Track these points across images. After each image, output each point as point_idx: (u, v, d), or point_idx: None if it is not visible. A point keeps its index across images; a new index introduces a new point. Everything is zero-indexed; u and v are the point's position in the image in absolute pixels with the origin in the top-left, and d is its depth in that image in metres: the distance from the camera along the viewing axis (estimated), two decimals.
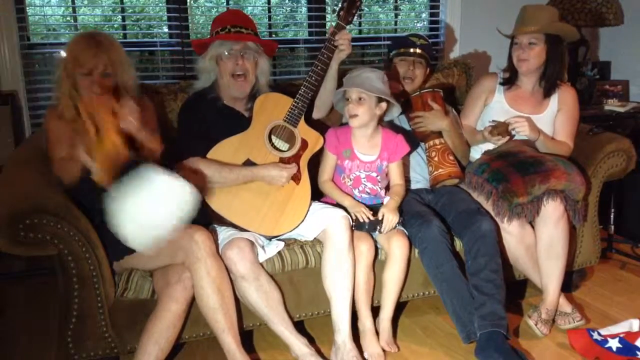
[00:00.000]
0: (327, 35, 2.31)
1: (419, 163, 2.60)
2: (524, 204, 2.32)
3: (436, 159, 2.48)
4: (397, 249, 2.25)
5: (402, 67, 2.66)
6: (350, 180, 2.35)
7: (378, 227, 2.23)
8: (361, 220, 2.22)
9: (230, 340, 2.00)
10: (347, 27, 2.32)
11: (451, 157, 2.49)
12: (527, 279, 2.62)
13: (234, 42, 2.24)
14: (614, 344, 2.18)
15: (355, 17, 2.34)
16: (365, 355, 2.20)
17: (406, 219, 2.33)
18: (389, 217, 2.22)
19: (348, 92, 2.26)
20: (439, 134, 2.50)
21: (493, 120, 2.51)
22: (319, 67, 2.28)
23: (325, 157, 2.35)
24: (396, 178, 2.38)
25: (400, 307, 2.48)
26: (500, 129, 2.43)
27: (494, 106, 2.65)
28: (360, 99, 2.24)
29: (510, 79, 2.65)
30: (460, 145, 2.56)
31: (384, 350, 2.23)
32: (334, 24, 2.33)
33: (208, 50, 2.27)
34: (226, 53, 2.24)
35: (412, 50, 2.66)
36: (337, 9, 2.33)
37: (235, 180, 2.16)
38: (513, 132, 2.47)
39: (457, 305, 2.23)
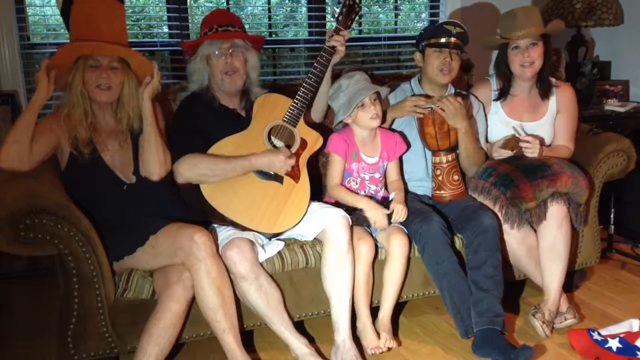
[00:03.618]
0: (326, 38, 2.33)
1: (423, 178, 2.55)
2: (532, 209, 2.33)
3: (440, 178, 2.43)
4: (396, 247, 2.25)
5: (437, 59, 2.42)
6: (357, 184, 2.37)
7: (389, 218, 2.25)
8: (375, 225, 2.24)
9: (230, 341, 2.00)
10: (347, 30, 2.33)
11: (456, 177, 2.43)
12: (526, 279, 2.62)
13: (222, 40, 2.25)
14: (614, 344, 2.18)
15: (355, 22, 2.35)
16: (369, 351, 2.21)
17: (406, 217, 2.33)
18: (399, 208, 2.26)
19: (362, 99, 2.26)
20: (448, 151, 2.41)
21: (513, 132, 2.51)
22: (317, 69, 2.29)
23: (334, 162, 2.34)
24: (394, 175, 2.42)
25: (400, 307, 2.48)
26: (512, 144, 2.44)
27: (492, 117, 2.60)
28: (375, 99, 2.29)
29: (504, 90, 2.58)
30: (475, 153, 2.47)
31: (388, 349, 2.23)
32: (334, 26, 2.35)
33: (198, 52, 2.28)
34: (216, 52, 2.25)
35: (446, 40, 2.40)
36: (337, 13, 2.33)
37: (232, 170, 2.15)
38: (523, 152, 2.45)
39: (457, 301, 2.24)
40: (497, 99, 2.59)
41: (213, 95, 2.32)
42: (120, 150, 2.18)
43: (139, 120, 2.17)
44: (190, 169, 2.14)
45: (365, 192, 2.37)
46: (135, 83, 2.16)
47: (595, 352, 2.19)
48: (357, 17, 2.34)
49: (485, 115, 2.62)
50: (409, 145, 2.48)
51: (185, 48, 2.35)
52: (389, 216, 2.25)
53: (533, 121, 2.57)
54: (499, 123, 2.58)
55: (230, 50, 2.26)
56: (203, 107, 2.27)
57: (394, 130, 2.47)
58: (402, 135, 2.47)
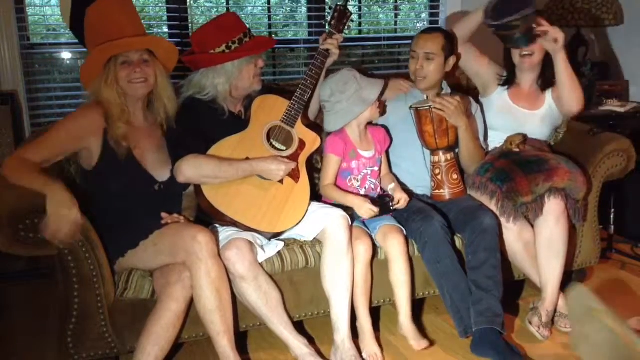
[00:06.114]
0: (320, 41, 2.36)
1: (423, 178, 2.55)
2: (529, 203, 2.33)
3: (439, 177, 2.42)
4: (393, 247, 2.25)
5: (412, 65, 2.50)
6: (358, 181, 2.37)
7: (391, 205, 2.28)
8: (367, 217, 2.25)
9: (225, 344, 2.00)
10: (340, 34, 2.37)
11: (455, 176, 2.42)
12: (525, 279, 2.62)
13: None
14: None
15: (346, 26, 2.39)
16: (364, 355, 2.21)
17: (407, 216, 2.34)
18: (404, 197, 2.30)
19: (372, 97, 2.29)
20: (447, 150, 2.41)
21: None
22: (313, 72, 2.32)
23: (329, 162, 2.34)
24: (385, 168, 2.48)
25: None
26: (517, 140, 2.48)
27: (495, 98, 2.66)
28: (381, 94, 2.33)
29: (509, 79, 2.65)
30: (475, 151, 2.48)
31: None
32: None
33: (226, 66, 2.22)
34: (252, 60, 2.25)
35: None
36: (329, 18, 2.37)
37: (235, 174, 2.16)
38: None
39: (457, 300, 2.25)
40: (502, 85, 2.66)
41: (221, 103, 2.29)
42: (154, 148, 2.19)
43: (174, 108, 2.21)
44: (194, 170, 2.14)
45: (366, 187, 2.38)
46: (164, 73, 2.19)
47: None
48: (348, 22, 2.38)
49: (483, 114, 2.64)
50: (391, 139, 2.52)
51: (207, 61, 2.24)
52: (389, 205, 2.27)
53: (531, 110, 2.62)
54: (501, 105, 2.64)
55: (260, 56, 2.29)
56: (205, 108, 2.27)
57: (376, 125, 2.50)
58: (386, 129, 2.51)
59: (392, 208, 2.29)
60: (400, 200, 2.30)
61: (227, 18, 2.32)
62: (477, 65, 2.69)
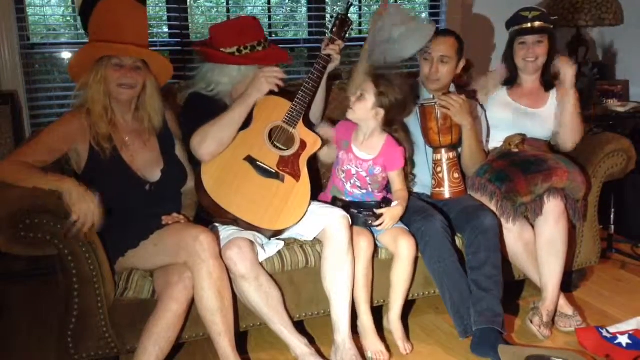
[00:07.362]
0: (322, 47, 2.37)
1: (423, 176, 2.54)
2: (528, 203, 2.33)
3: (441, 175, 2.42)
4: (404, 249, 2.24)
5: (425, 67, 2.55)
6: (343, 173, 2.37)
7: (368, 222, 2.26)
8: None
9: (226, 345, 2.00)
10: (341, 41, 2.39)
11: (456, 175, 2.43)
12: (526, 279, 2.62)
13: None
14: (623, 340, 2.20)
15: (348, 33, 2.41)
16: (369, 354, 2.21)
17: (408, 216, 2.34)
18: (386, 220, 2.24)
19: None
20: (450, 148, 2.41)
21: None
22: (315, 75, 2.34)
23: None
24: (398, 184, 2.37)
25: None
26: (516, 141, 2.49)
27: (495, 95, 2.67)
28: (361, 95, 2.29)
29: (511, 80, 2.66)
30: (478, 152, 2.48)
31: (388, 349, 2.24)
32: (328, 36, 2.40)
33: (232, 68, 2.27)
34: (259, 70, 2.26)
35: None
36: (330, 25, 2.40)
37: (237, 110, 2.17)
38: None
39: (457, 300, 2.25)
40: (505, 84, 2.68)
41: (224, 100, 2.32)
42: (143, 149, 2.19)
43: (159, 120, 2.21)
44: (206, 141, 2.14)
45: (351, 183, 2.35)
46: (155, 85, 2.18)
47: (605, 349, 2.20)
48: (349, 30, 2.41)
49: (487, 119, 2.65)
50: (406, 162, 2.42)
51: (220, 58, 2.29)
52: (368, 220, 2.26)
53: (534, 108, 2.63)
54: (502, 104, 2.65)
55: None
56: (209, 105, 2.28)
57: (400, 144, 2.40)
58: (409, 143, 2.44)
59: (368, 224, 2.26)
60: (383, 220, 2.24)
61: (248, 22, 2.35)
62: (482, 81, 2.75)
